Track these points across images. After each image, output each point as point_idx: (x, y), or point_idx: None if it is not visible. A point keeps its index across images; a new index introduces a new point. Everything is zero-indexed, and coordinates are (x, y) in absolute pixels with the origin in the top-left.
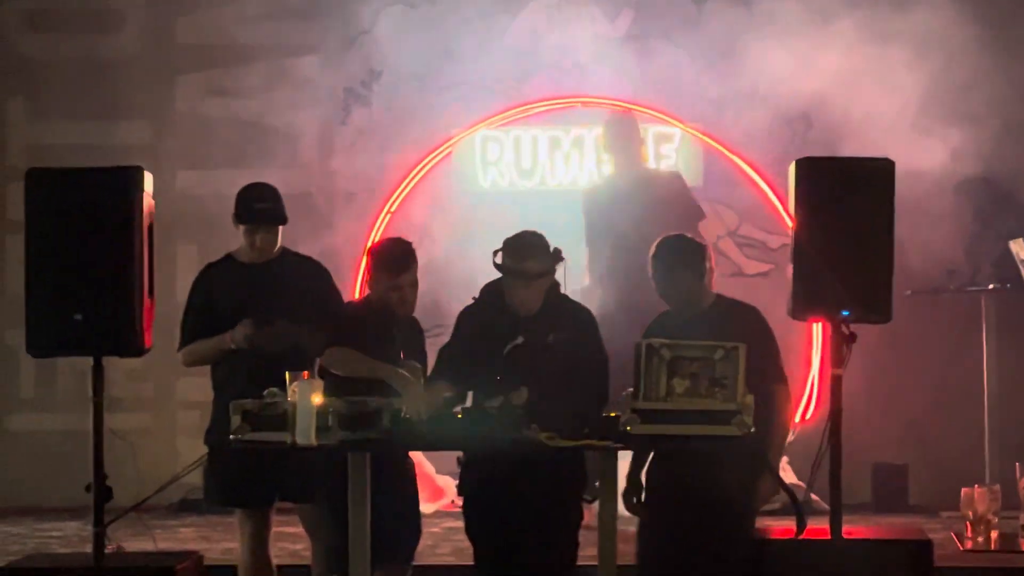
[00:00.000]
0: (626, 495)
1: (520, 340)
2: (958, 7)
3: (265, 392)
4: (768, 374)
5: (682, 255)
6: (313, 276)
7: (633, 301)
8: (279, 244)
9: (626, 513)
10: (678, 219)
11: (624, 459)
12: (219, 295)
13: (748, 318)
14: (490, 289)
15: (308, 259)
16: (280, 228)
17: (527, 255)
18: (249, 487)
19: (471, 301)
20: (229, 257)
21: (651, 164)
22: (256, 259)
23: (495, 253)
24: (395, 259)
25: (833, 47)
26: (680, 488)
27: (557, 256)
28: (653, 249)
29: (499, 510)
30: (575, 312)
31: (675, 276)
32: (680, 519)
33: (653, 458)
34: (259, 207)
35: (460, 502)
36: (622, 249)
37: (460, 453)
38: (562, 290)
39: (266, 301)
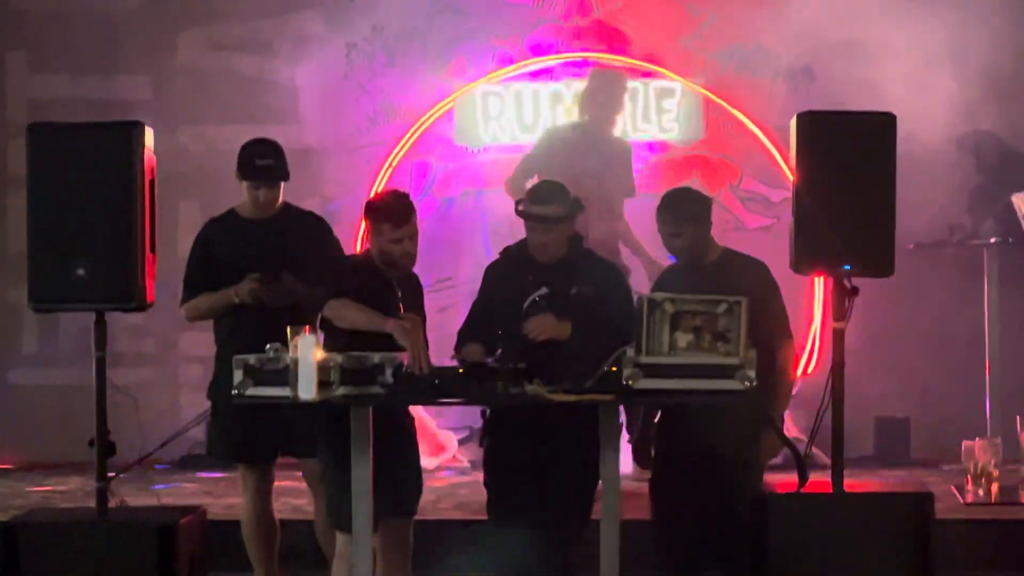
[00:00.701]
0: (635, 448)
1: (544, 291)
2: None
3: (267, 346)
4: (774, 329)
5: (691, 208)
6: (315, 230)
7: None
8: (281, 199)
9: (634, 467)
10: (614, 187)
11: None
12: (221, 250)
13: (756, 272)
14: (509, 250)
15: (309, 214)
16: (282, 184)
17: (548, 200)
18: (252, 442)
19: (487, 257)
20: (232, 212)
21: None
22: (258, 215)
23: (517, 203)
24: (395, 211)
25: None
26: (687, 443)
27: (578, 203)
28: (660, 201)
29: (519, 461)
30: (601, 265)
31: (684, 229)
32: (688, 473)
33: (661, 413)
34: (261, 163)
35: (461, 456)
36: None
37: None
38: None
39: (268, 256)
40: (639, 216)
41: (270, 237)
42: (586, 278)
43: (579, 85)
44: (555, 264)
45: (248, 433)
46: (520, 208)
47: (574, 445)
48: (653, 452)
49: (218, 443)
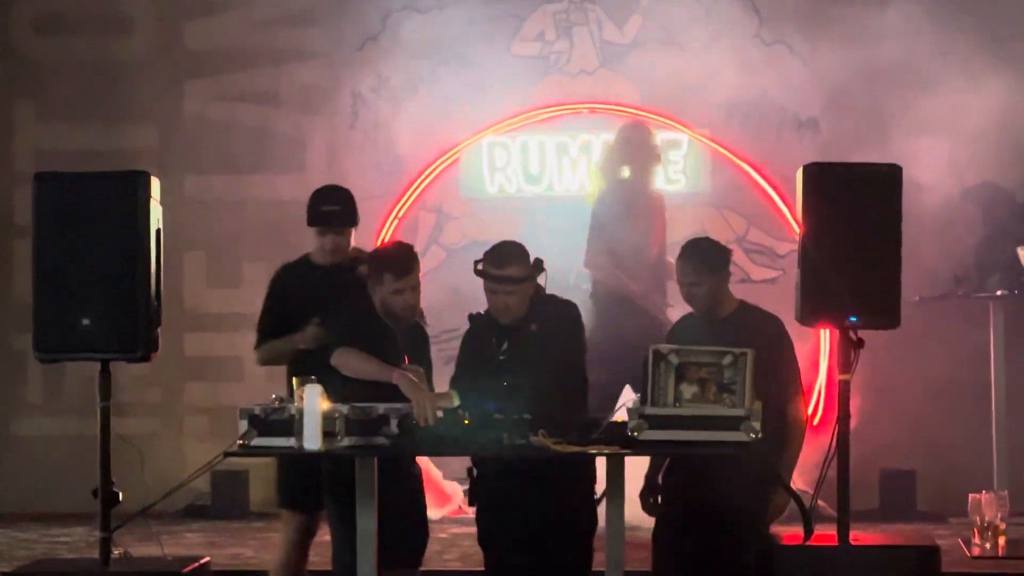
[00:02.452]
0: (643, 496)
1: (505, 347)
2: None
3: (272, 396)
4: (786, 384)
5: (711, 257)
6: None
7: (625, 316)
8: (352, 245)
9: (638, 518)
10: (654, 241)
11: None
12: (292, 295)
13: (771, 327)
14: (477, 315)
15: None
16: (352, 230)
17: (507, 262)
18: (298, 487)
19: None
20: (304, 258)
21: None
22: (328, 260)
23: (476, 263)
24: (398, 262)
25: (841, 50)
26: (693, 494)
27: (538, 265)
28: (681, 251)
29: (511, 517)
30: (558, 306)
31: (703, 279)
32: (693, 525)
33: (668, 463)
34: (326, 209)
35: (468, 509)
36: (618, 256)
37: (469, 462)
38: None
39: (336, 302)
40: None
41: (340, 283)
42: (540, 316)
43: (586, 136)
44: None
45: (298, 478)
46: (479, 268)
47: (567, 493)
48: (660, 500)
49: (287, 490)
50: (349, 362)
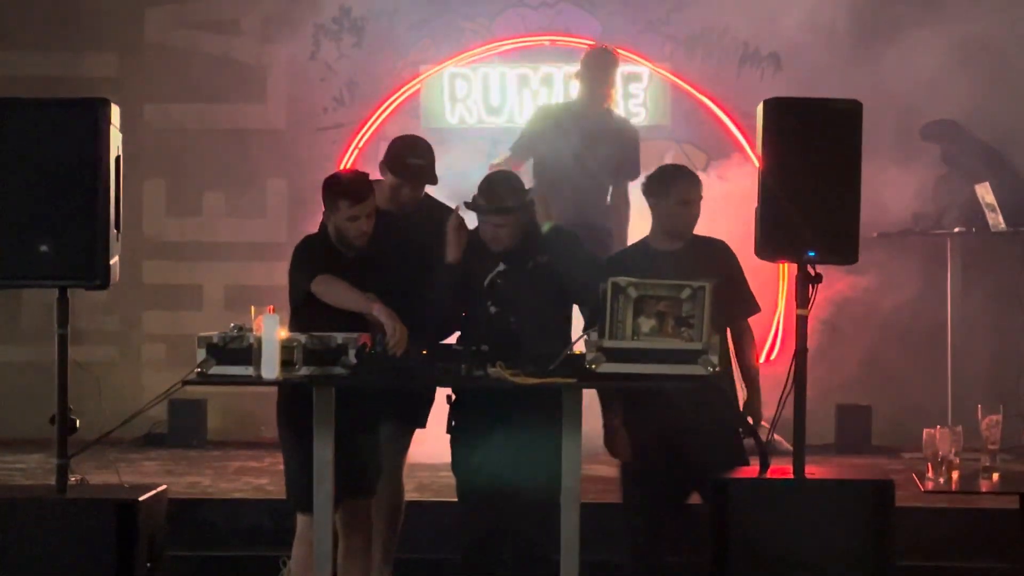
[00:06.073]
0: (608, 440)
1: (501, 267)
2: None
3: (231, 325)
4: (747, 305)
5: (697, 181)
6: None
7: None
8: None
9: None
10: (616, 169)
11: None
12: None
13: (724, 252)
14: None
15: (443, 206)
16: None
17: (500, 192)
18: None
19: None
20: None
21: (617, 108)
22: (392, 208)
23: (471, 199)
24: (353, 189)
25: None
26: (657, 430)
27: (528, 200)
28: (662, 173)
29: (484, 446)
30: (556, 233)
31: (693, 198)
32: (667, 453)
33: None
34: (413, 162)
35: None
36: (565, 173)
37: (449, 391)
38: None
39: (394, 250)
40: None
41: (402, 231)
42: (541, 249)
43: (547, 69)
44: (510, 248)
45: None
46: (471, 201)
47: (538, 423)
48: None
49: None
50: (330, 289)
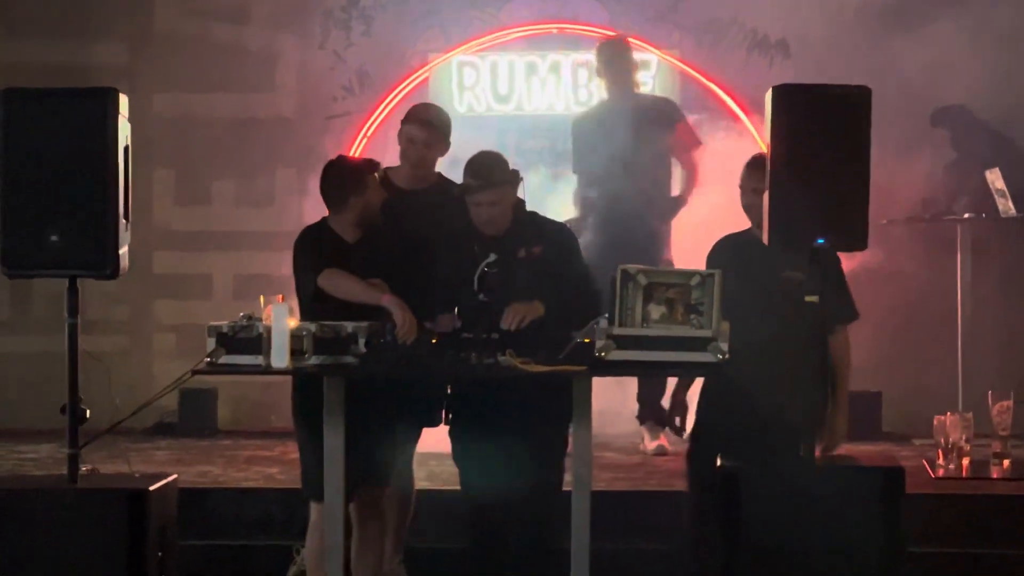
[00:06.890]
0: (670, 415)
1: (492, 258)
2: None
3: (240, 314)
4: (848, 310)
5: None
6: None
7: (620, 231)
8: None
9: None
10: (672, 146)
11: None
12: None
13: (826, 252)
14: (453, 227)
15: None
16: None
17: (488, 174)
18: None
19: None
20: (384, 177)
21: (643, 90)
22: (408, 170)
23: (461, 185)
24: (356, 177)
25: None
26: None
27: (516, 174)
28: (754, 159)
29: (484, 436)
30: (548, 227)
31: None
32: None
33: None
34: (422, 106)
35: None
36: (610, 176)
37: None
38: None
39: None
40: None
41: (421, 209)
42: (533, 240)
43: (555, 56)
44: (501, 232)
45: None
46: (461, 186)
47: (539, 412)
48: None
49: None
50: (338, 283)
